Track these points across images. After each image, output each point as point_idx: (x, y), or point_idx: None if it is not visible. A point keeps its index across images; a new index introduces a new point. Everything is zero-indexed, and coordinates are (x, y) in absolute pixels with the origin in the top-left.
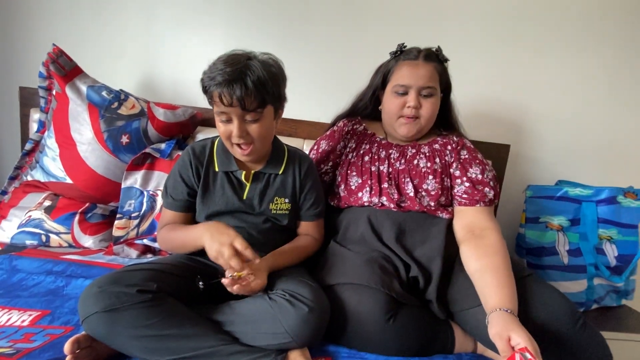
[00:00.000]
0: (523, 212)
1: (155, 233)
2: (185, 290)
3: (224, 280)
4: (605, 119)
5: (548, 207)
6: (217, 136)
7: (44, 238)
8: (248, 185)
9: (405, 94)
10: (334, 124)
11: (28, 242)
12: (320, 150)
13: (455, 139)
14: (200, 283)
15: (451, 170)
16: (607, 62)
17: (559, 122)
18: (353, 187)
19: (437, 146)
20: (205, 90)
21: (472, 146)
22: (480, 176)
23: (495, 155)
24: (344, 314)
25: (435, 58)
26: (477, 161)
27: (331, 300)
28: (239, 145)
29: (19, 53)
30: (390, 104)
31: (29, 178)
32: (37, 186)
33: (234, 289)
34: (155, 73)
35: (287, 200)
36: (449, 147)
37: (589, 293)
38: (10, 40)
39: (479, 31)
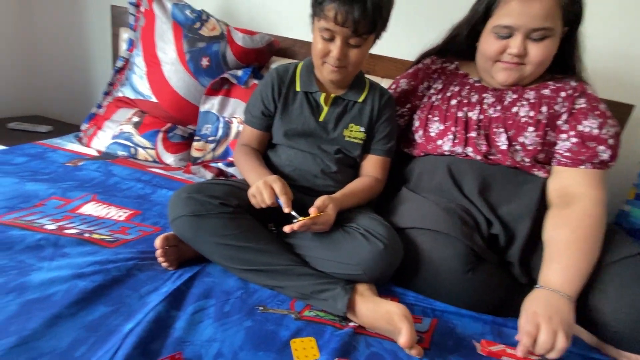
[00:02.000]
0: (633, 187)
1: (230, 158)
2: (262, 211)
3: (287, 228)
4: None
5: None
6: (300, 61)
7: (132, 151)
8: (326, 108)
9: (508, 36)
10: (419, 61)
11: (120, 152)
12: (398, 90)
13: (573, 84)
14: (273, 228)
15: (558, 122)
16: None
17: None
18: (433, 134)
19: (546, 91)
20: (317, 2)
21: (595, 95)
22: (596, 131)
23: (615, 114)
24: (418, 259)
25: None
26: (598, 113)
27: (404, 243)
28: (330, 64)
29: None
30: (487, 45)
31: (120, 94)
32: (127, 102)
33: (301, 230)
34: None
35: (362, 129)
36: (563, 94)
37: None
38: None
39: None
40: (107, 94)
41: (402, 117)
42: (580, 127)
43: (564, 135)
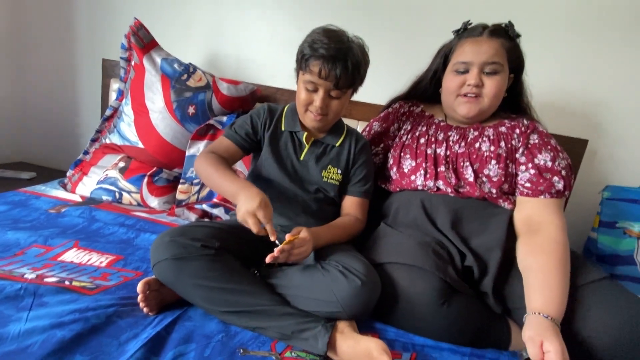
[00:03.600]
0: (597, 215)
1: (215, 199)
2: (244, 252)
3: (268, 259)
4: None
5: (628, 212)
6: (287, 104)
7: (117, 195)
8: (307, 147)
9: (466, 72)
10: (389, 105)
11: (104, 197)
12: (372, 132)
13: (525, 122)
14: (256, 272)
15: (517, 155)
16: None
17: None
18: (406, 170)
19: (503, 129)
20: (303, 58)
21: (545, 131)
22: (550, 163)
23: (570, 150)
24: (395, 294)
25: (503, 34)
26: (549, 147)
27: (381, 279)
28: (313, 112)
29: (103, 29)
30: (449, 82)
31: (107, 141)
32: (114, 148)
33: (280, 258)
34: (220, 50)
35: (339, 172)
36: (518, 131)
37: None
38: (94, 18)
39: (558, 20)
40: (94, 140)
41: (377, 155)
42: (536, 160)
43: (523, 167)
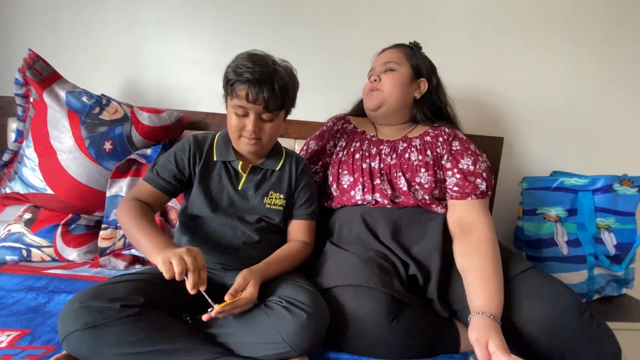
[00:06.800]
0: (520, 205)
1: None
2: (175, 300)
3: (205, 317)
4: (596, 108)
5: (544, 199)
6: (218, 132)
7: (24, 253)
8: (244, 175)
9: (372, 76)
10: (325, 124)
11: (8, 257)
12: (310, 151)
13: (447, 130)
14: (188, 319)
15: (443, 162)
16: (595, 50)
17: (550, 112)
18: (345, 186)
19: (428, 138)
20: (229, 84)
21: (465, 137)
22: (472, 167)
23: (489, 148)
24: (344, 318)
25: (404, 46)
26: (470, 152)
27: (330, 304)
28: (246, 137)
29: None
30: (363, 88)
31: (8, 190)
32: (16, 198)
33: (220, 317)
34: (138, 77)
35: (282, 196)
36: (441, 139)
37: (590, 283)
38: None
39: (468, 25)
40: None
41: (317, 173)
42: (460, 165)
43: (449, 173)
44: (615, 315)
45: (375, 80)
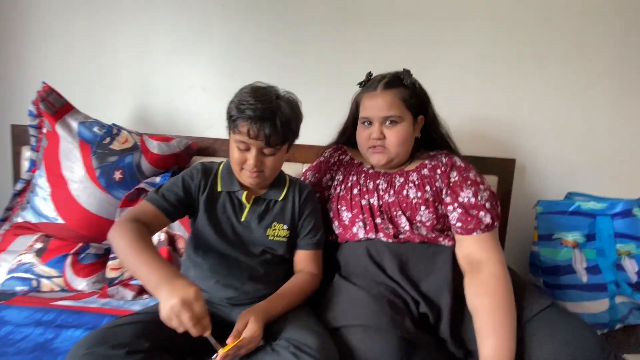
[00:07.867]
0: (535, 229)
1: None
2: (181, 339)
3: None
4: (610, 127)
5: (561, 223)
6: (222, 161)
7: (34, 283)
8: (248, 206)
9: (370, 124)
10: (321, 154)
11: (18, 288)
12: (307, 182)
13: (444, 160)
14: None
15: (443, 196)
16: (608, 69)
17: (563, 133)
18: (346, 222)
19: (425, 171)
20: (231, 119)
21: (463, 164)
22: (473, 199)
23: (502, 170)
24: None
25: (397, 84)
26: (469, 182)
27: (339, 346)
28: (248, 170)
29: (11, 91)
30: (359, 135)
31: (20, 219)
32: (28, 228)
33: None
34: (148, 105)
35: (285, 227)
36: (439, 171)
37: (612, 312)
38: (1, 78)
39: (473, 50)
40: (4, 220)
41: None
42: (460, 199)
43: (450, 207)
44: (639, 347)
45: (379, 138)
